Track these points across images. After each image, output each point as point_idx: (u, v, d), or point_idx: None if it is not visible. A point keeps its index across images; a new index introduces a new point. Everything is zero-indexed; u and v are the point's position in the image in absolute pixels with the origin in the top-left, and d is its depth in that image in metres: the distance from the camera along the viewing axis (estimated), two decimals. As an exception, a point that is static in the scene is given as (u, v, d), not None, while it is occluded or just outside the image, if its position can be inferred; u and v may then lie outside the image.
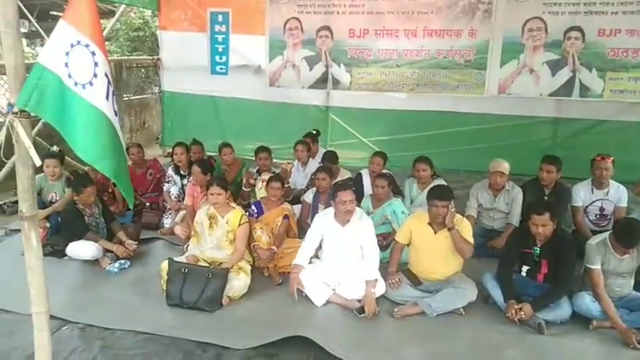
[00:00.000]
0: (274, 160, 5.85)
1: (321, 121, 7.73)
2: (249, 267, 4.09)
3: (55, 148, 5.14)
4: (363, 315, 3.60)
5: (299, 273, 3.83)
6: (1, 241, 4.95)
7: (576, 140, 6.74)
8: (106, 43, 10.53)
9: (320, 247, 4.02)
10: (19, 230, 4.86)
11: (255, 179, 5.45)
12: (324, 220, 3.95)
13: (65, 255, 4.42)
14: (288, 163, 5.68)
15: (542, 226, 3.55)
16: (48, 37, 8.56)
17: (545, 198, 4.71)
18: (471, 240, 3.81)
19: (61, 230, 4.63)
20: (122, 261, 4.36)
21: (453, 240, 3.73)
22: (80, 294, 3.88)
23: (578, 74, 6.57)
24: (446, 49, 6.95)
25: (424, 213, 3.95)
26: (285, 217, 4.51)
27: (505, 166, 4.66)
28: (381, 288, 3.79)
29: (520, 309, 3.47)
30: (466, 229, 3.82)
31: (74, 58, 2.24)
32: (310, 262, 3.98)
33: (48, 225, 4.70)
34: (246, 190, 5.45)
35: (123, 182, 2.54)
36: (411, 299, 3.76)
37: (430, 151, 5.74)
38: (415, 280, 3.89)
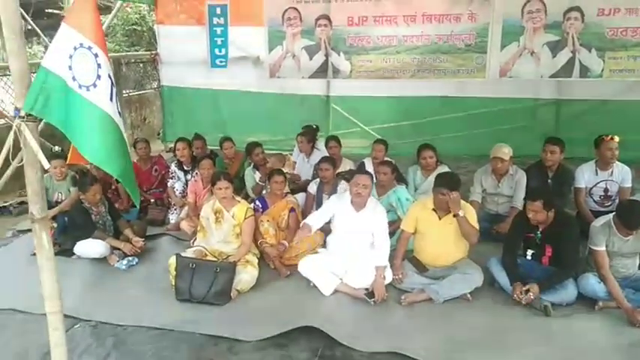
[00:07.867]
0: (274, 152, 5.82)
1: (322, 111, 7.73)
2: (257, 260, 4.12)
3: (57, 148, 5.15)
4: (372, 300, 3.63)
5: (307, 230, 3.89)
6: (11, 242, 4.98)
7: (578, 121, 6.70)
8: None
9: (329, 231, 4.03)
10: (27, 231, 4.92)
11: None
12: (339, 201, 3.99)
13: (73, 254, 4.45)
14: (289, 156, 5.66)
15: (533, 212, 3.57)
16: (44, 35, 8.44)
17: (549, 181, 4.72)
18: (477, 225, 3.82)
19: (69, 229, 4.65)
20: (130, 258, 4.39)
21: (459, 226, 3.73)
22: (90, 292, 3.91)
23: (578, 55, 6.57)
24: (446, 34, 6.93)
25: (428, 199, 3.95)
26: (292, 209, 4.53)
27: (505, 151, 4.62)
28: (389, 275, 3.82)
29: (527, 290, 3.49)
30: (471, 215, 3.82)
31: (78, 61, 2.25)
32: (316, 252, 4.01)
33: (55, 225, 4.72)
34: (261, 184, 5.36)
35: (129, 182, 2.55)
36: (417, 286, 3.78)
37: (433, 137, 5.73)
38: (421, 267, 3.91)
